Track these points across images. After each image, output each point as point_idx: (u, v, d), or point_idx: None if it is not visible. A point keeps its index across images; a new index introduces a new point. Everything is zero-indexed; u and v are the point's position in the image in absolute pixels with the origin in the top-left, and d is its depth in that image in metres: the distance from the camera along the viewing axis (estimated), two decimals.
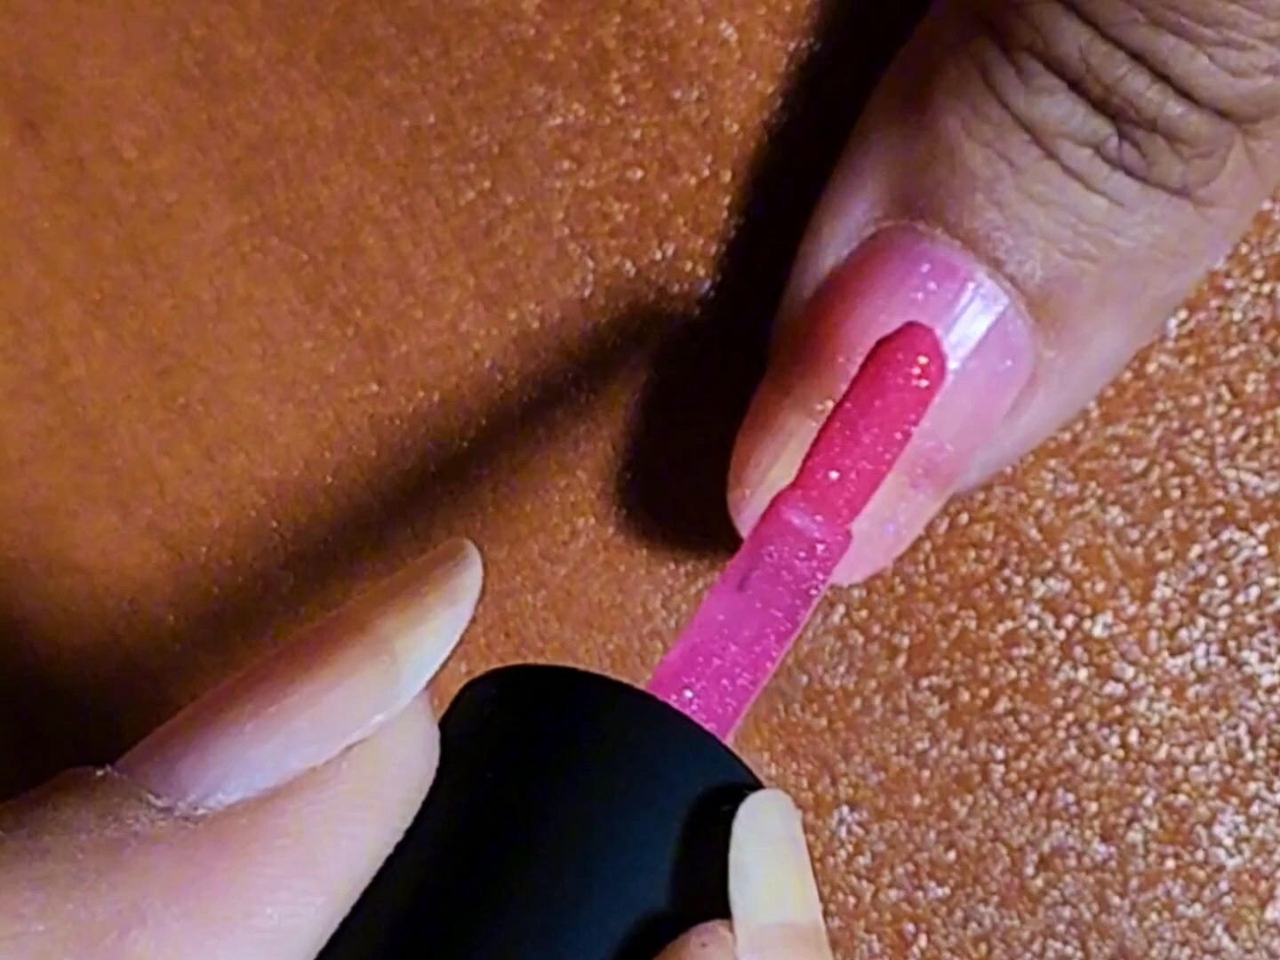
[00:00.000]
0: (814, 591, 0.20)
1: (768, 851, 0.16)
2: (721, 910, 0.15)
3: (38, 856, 0.14)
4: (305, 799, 0.15)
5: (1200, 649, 0.25)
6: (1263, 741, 0.25)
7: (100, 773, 0.15)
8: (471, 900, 0.15)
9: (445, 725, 0.16)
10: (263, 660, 0.16)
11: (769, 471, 0.23)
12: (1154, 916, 0.25)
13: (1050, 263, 0.22)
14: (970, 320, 0.22)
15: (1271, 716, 0.25)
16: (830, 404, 0.22)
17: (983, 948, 0.25)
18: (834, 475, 0.20)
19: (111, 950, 0.14)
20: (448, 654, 0.16)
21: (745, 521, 0.23)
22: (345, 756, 0.15)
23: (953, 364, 0.22)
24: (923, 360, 0.21)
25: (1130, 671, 0.25)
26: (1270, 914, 0.25)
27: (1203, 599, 0.25)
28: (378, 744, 0.15)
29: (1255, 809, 0.25)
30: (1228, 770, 0.25)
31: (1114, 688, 0.25)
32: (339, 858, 0.15)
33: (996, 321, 0.22)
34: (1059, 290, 0.22)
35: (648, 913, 0.15)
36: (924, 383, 0.20)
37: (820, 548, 0.20)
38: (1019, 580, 0.25)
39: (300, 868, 0.15)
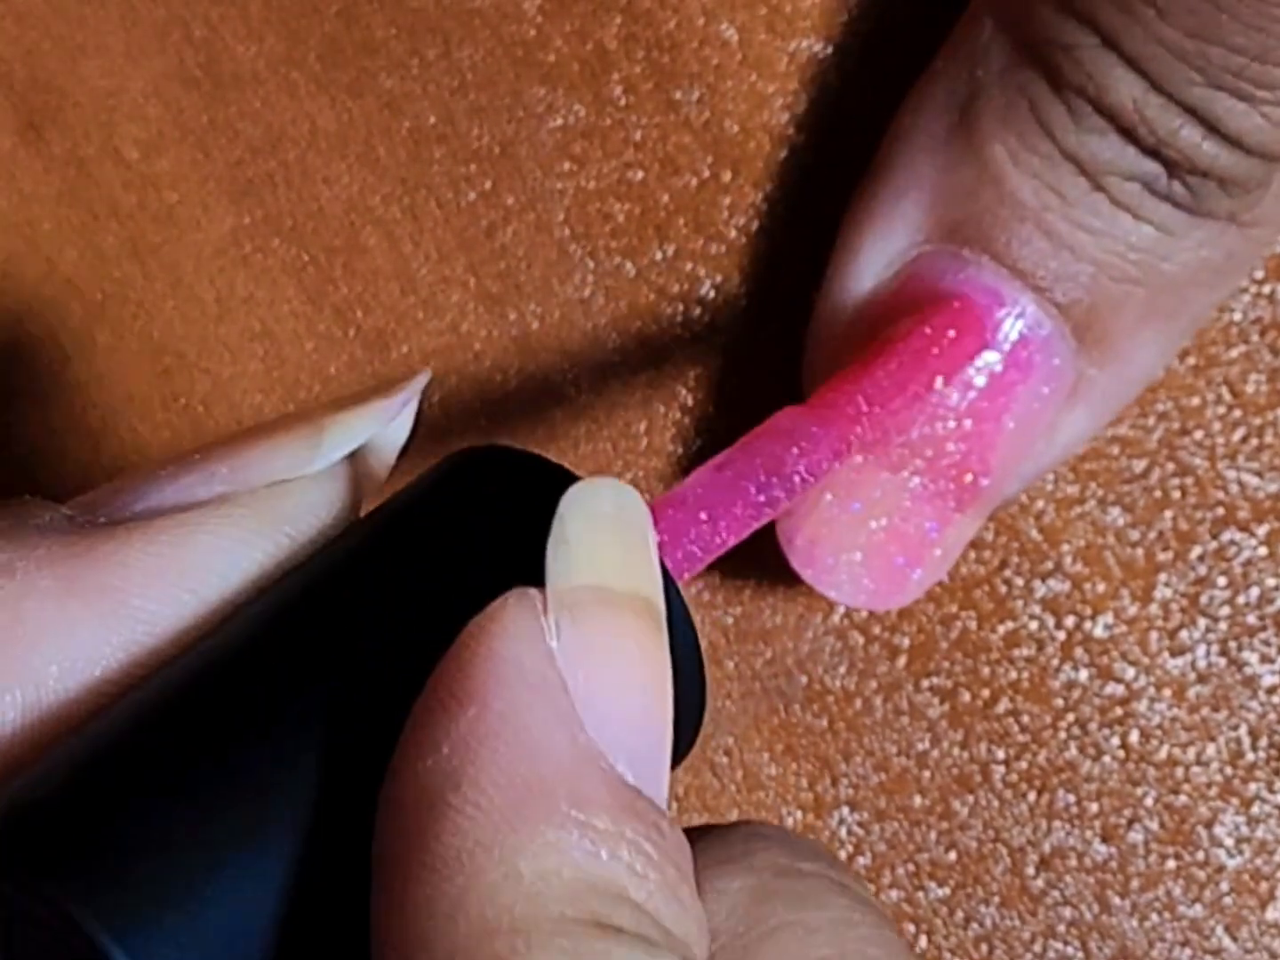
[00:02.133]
0: (796, 478, 0.20)
1: (591, 523, 0.15)
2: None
3: None
4: (198, 517, 0.16)
5: (1201, 649, 0.25)
6: (1263, 742, 0.25)
7: (35, 501, 0.16)
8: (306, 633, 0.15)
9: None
10: None
11: (818, 498, 0.23)
12: (1155, 917, 0.25)
13: (1097, 288, 0.22)
14: (1016, 346, 0.22)
15: (1272, 717, 0.25)
16: (874, 434, 0.22)
17: (983, 948, 0.25)
18: (837, 397, 0.21)
19: None
20: (372, 433, 0.17)
21: (798, 551, 0.23)
22: (249, 495, 0.16)
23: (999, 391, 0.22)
24: (951, 334, 0.21)
25: (1131, 672, 0.25)
26: (1271, 914, 0.25)
27: (1203, 599, 0.25)
28: (283, 494, 0.16)
29: (1256, 809, 0.25)
30: (1228, 771, 0.25)
31: (1115, 688, 0.25)
32: (214, 575, 0.16)
33: (1041, 347, 0.22)
34: (1104, 313, 0.22)
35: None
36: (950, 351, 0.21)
37: (805, 443, 0.20)
38: (1020, 581, 0.25)
39: (174, 569, 0.15)
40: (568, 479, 0.16)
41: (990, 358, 0.22)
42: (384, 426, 0.17)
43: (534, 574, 0.15)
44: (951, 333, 0.22)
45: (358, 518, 0.17)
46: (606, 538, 0.15)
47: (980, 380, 0.22)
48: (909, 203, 0.23)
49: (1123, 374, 0.23)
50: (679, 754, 0.16)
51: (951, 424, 0.22)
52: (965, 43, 0.22)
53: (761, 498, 0.19)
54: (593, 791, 0.14)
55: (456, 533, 0.16)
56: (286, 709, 0.14)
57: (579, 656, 0.15)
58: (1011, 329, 0.22)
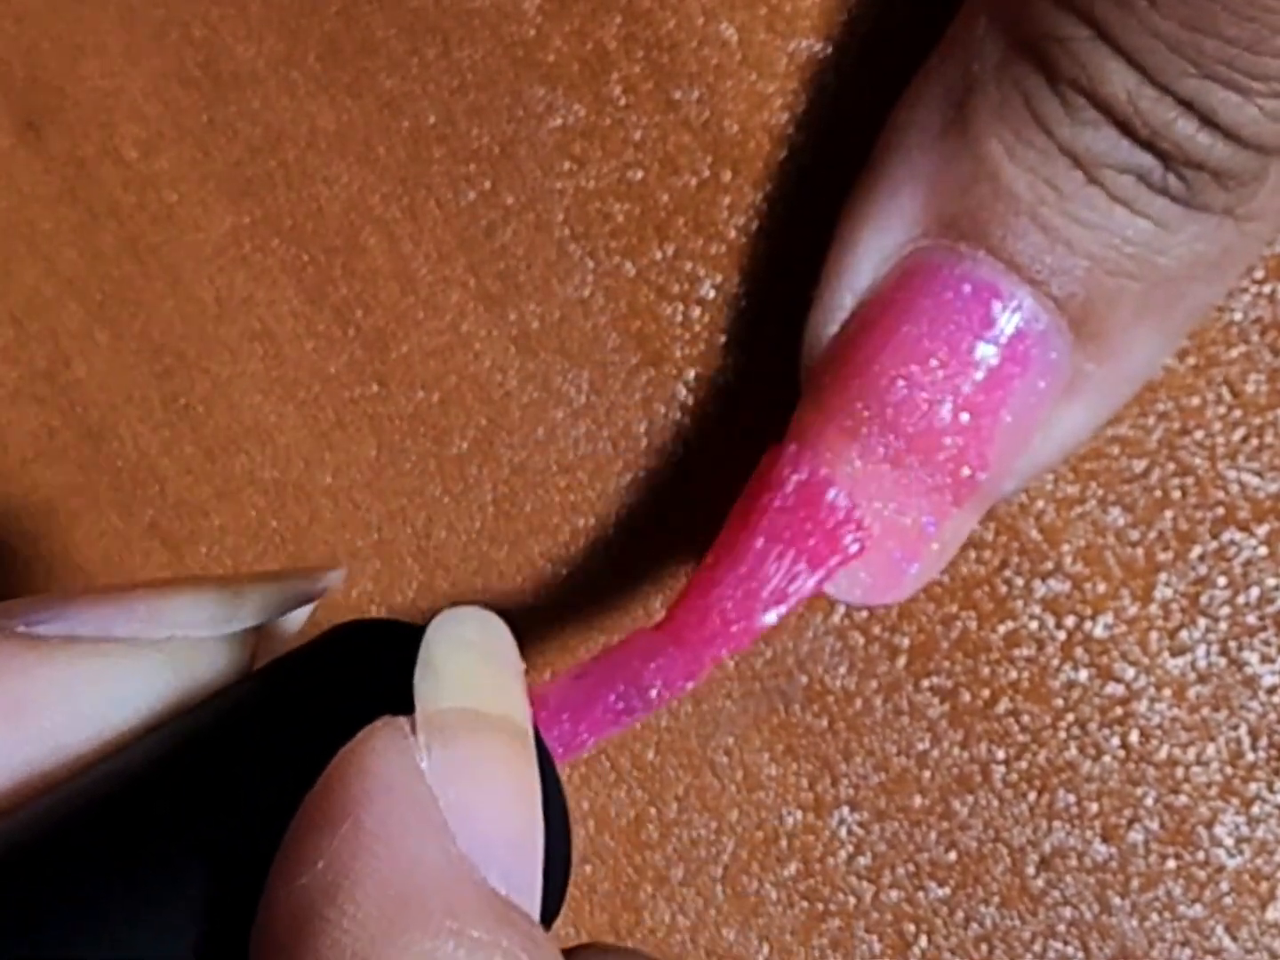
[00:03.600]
0: (652, 692, 0.21)
1: (458, 649, 0.16)
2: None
3: None
4: (117, 651, 0.16)
5: (1201, 649, 0.25)
6: (1263, 742, 0.25)
7: None
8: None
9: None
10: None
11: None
12: (1155, 917, 0.25)
13: (1093, 282, 0.22)
14: (1012, 339, 0.22)
15: (1272, 717, 0.25)
16: (871, 428, 0.22)
17: (984, 948, 0.25)
18: (694, 617, 0.22)
19: None
20: (289, 610, 0.18)
21: None
22: (164, 641, 0.17)
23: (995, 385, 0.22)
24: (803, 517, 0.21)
25: (1131, 672, 0.25)
26: (1271, 914, 0.25)
27: (1203, 599, 0.25)
28: (194, 647, 0.17)
29: (1256, 809, 0.25)
30: (1228, 771, 0.25)
31: (1115, 688, 0.25)
32: (122, 706, 0.16)
33: (1038, 340, 0.22)
34: (1100, 307, 0.22)
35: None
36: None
37: (661, 661, 0.21)
38: (1020, 581, 0.25)
39: (89, 695, 0.16)
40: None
41: (987, 351, 0.22)
42: (297, 609, 0.18)
43: (406, 711, 0.15)
44: (803, 516, 0.22)
45: (250, 670, 0.18)
46: (473, 663, 0.16)
47: (978, 374, 0.22)
48: (905, 198, 0.23)
49: (1119, 369, 0.23)
50: (550, 909, 0.17)
51: (948, 417, 0.22)
52: (960, 39, 0.23)
53: (620, 705, 0.21)
54: (467, 902, 0.14)
55: (336, 684, 0.17)
56: (176, 835, 0.15)
57: (449, 775, 0.15)
58: (1008, 323, 0.22)
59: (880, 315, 0.23)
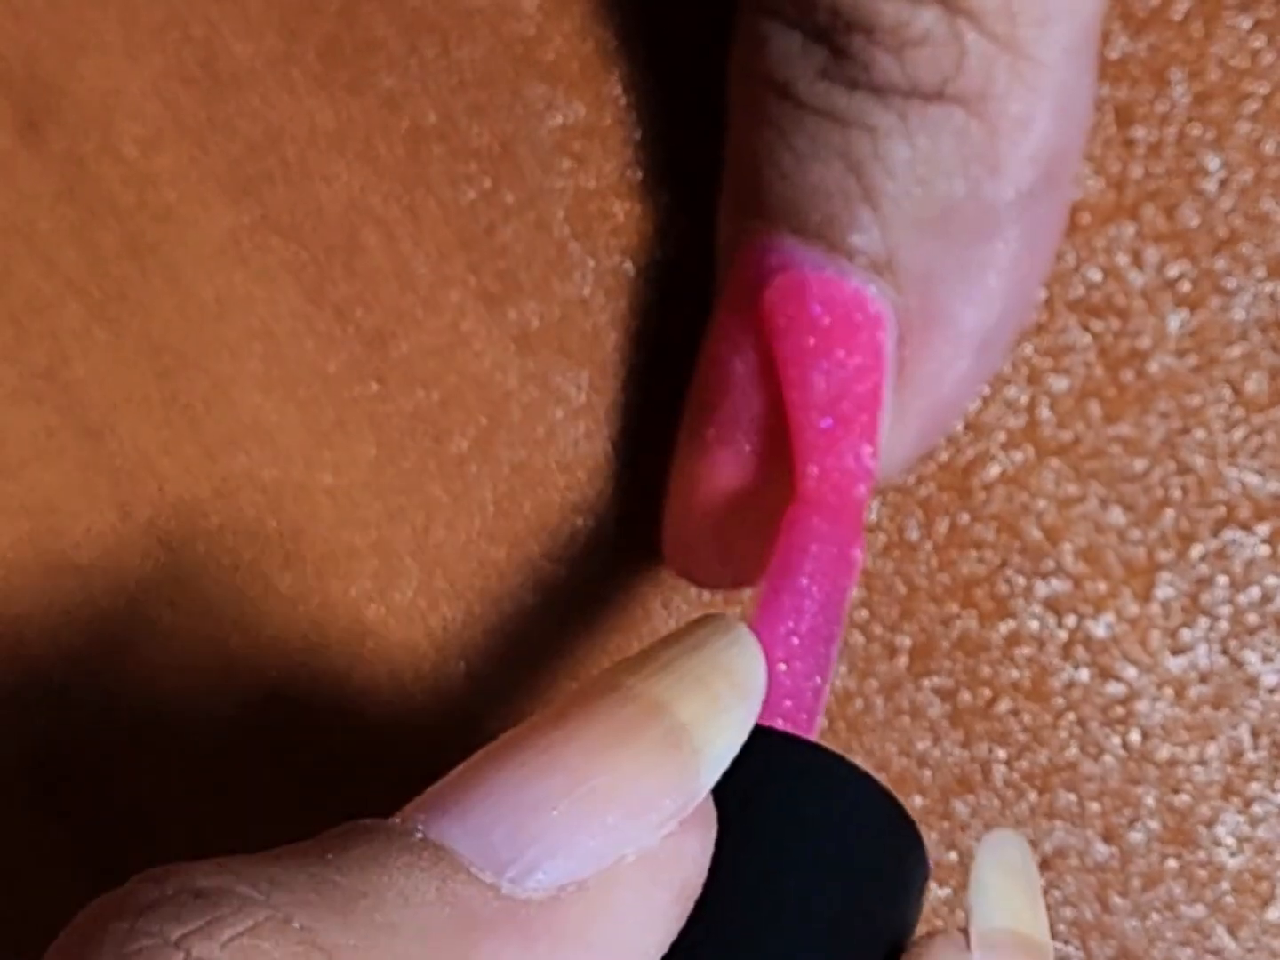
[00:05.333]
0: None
1: (1004, 872, 0.18)
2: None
3: (388, 933, 0.14)
4: (615, 891, 0.15)
5: (1202, 649, 0.25)
6: (1264, 741, 0.25)
7: (415, 834, 0.15)
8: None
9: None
10: (550, 721, 0.16)
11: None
12: (1155, 916, 0.25)
13: (851, 214, 0.21)
14: (833, 301, 0.22)
15: (1273, 716, 0.25)
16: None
17: None
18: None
19: None
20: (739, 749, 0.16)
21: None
22: (653, 855, 0.15)
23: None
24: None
25: (1132, 671, 0.25)
26: (1272, 914, 0.25)
27: (1204, 599, 0.25)
28: (675, 837, 0.16)
29: (1257, 809, 0.25)
30: (1229, 770, 0.25)
31: (1115, 688, 0.25)
32: (644, 948, 0.15)
33: (854, 294, 0.22)
34: (881, 245, 0.21)
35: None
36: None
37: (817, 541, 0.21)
38: (1021, 580, 0.25)
39: (608, 949, 0.15)
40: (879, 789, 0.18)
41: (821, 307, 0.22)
42: (749, 731, 0.17)
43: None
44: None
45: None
46: (1018, 886, 0.18)
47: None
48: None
49: (931, 292, 0.22)
50: None
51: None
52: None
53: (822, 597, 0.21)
54: None
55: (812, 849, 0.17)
56: None
57: None
58: (815, 289, 0.22)
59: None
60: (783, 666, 0.19)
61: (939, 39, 0.20)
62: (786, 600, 0.20)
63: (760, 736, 0.17)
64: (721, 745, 0.16)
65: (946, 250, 0.21)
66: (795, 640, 0.20)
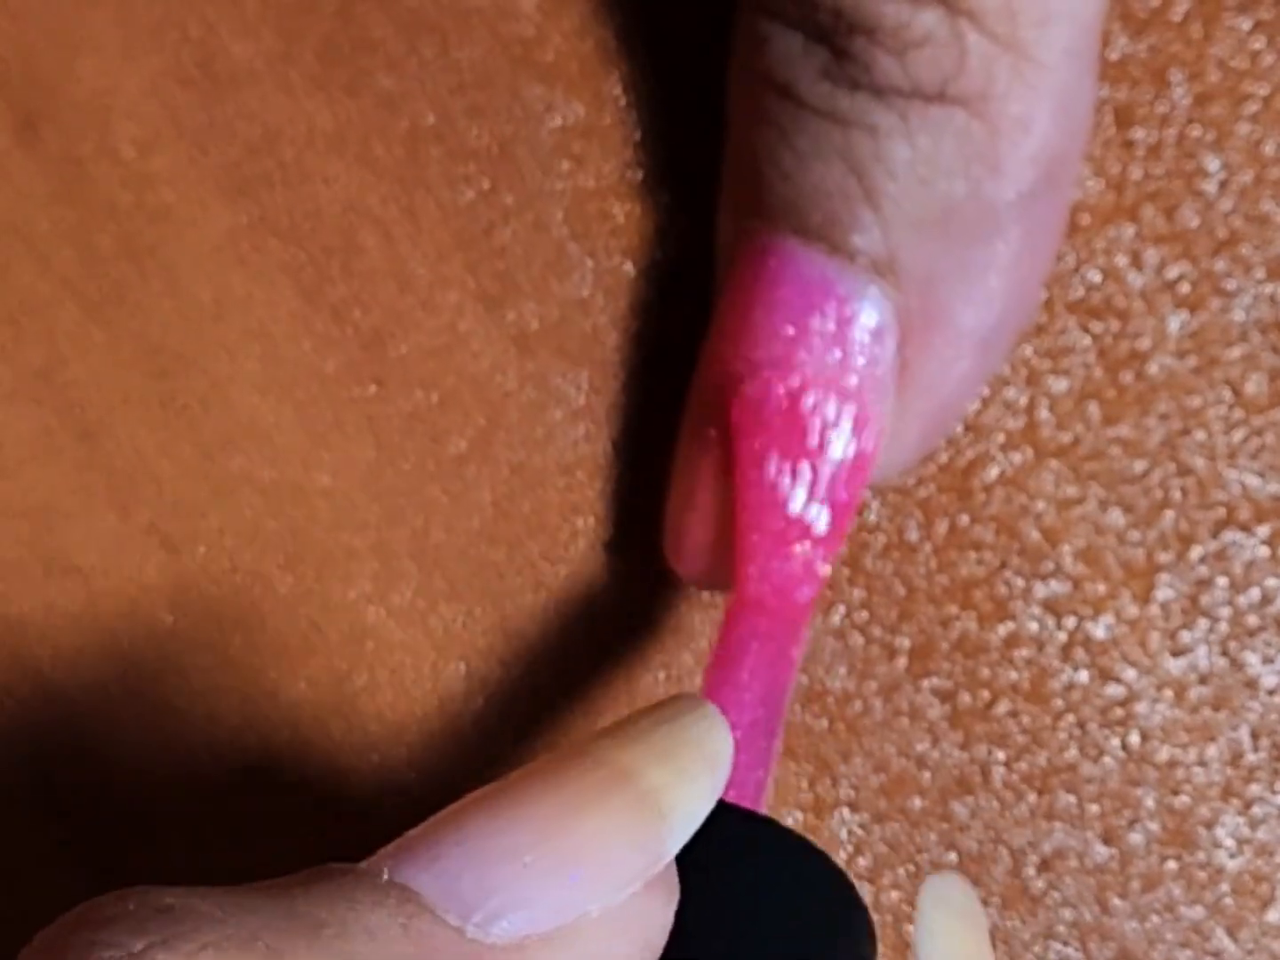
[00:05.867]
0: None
1: (948, 912, 0.19)
2: None
3: None
4: (578, 944, 0.15)
5: (1201, 650, 0.25)
6: (1264, 743, 0.25)
7: (383, 875, 0.15)
8: None
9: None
10: (523, 779, 0.16)
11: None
12: (1155, 918, 0.25)
13: (852, 215, 0.21)
14: (827, 316, 0.22)
15: (1273, 718, 0.25)
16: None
17: None
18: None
19: None
20: (710, 806, 0.17)
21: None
22: (615, 912, 0.16)
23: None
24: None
25: (1131, 673, 0.25)
26: (1272, 916, 0.25)
27: (1204, 600, 0.25)
28: (640, 897, 0.16)
29: (1256, 811, 0.25)
30: (1229, 772, 0.25)
31: (1115, 689, 0.25)
32: None
33: (858, 300, 0.22)
34: (883, 246, 0.21)
35: None
36: None
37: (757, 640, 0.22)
38: (1020, 582, 0.25)
39: None
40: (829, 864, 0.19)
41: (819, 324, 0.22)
42: (714, 802, 0.17)
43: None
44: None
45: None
46: (964, 928, 0.19)
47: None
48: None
49: (931, 294, 0.22)
50: None
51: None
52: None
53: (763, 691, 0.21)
54: None
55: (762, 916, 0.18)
56: None
57: None
58: (811, 297, 0.22)
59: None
60: None
61: (940, 40, 0.20)
62: (728, 695, 0.21)
63: (719, 811, 0.17)
64: (688, 812, 0.17)
65: (947, 251, 0.21)
66: (737, 733, 0.20)
